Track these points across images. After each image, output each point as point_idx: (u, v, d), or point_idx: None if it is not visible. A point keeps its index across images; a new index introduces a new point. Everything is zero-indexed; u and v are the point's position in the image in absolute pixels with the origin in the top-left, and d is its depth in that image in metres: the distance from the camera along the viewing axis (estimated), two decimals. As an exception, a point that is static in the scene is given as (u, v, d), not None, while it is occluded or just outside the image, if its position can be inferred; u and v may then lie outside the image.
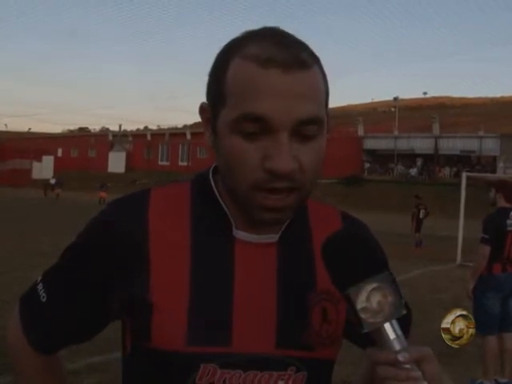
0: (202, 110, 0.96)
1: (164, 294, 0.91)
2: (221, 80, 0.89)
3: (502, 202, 5.41)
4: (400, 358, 0.78)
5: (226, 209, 0.96)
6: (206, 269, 0.93)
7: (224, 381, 0.90)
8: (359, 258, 0.81)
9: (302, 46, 0.89)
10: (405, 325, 0.84)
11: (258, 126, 0.85)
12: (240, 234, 0.96)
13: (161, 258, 0.93)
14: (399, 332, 0.80)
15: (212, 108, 0.92)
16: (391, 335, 0.79)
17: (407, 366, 0.78)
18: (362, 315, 0.78)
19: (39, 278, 1.06)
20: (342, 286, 0.81)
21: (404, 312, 0.80)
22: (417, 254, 15.37)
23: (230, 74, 0.88)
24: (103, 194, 35.44)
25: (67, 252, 1.03)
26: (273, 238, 0.97)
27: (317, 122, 0.88)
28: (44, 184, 46.62)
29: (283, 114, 0.84)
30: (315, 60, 0.90)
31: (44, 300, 1.02)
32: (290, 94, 0.84)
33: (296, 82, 0.85)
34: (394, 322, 0.79)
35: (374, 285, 0.78)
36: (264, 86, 0.84)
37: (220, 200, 0.97)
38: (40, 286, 1.04)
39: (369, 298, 0.78)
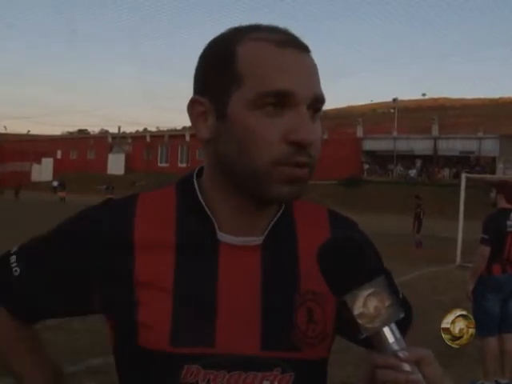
0: (195, 103, 0.95)
1: (149, 296, 0.92)
2: (228, 64, 0.91)
3: (502, 203, 5.41)
4: (400, 354, 0.78)
5: (209, 212, 0.97)
6: (190, 271, 0.94)
7: (208, 381, 0.91)
8: (354, 263, 0.81)
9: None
10: (404, 323, 0.84)
11: (280, 102, 0.88)
12: (224, 237, 0.96)
13: (146, 262, 0.94)
14: (398, 335, 0.80)
15: (216, 95, 0.92)
16: (390, 339, 0.79)
17: (407, 368, 0.78)
18: (360, 321, 0.78)
19: (13, 250, 1.05)
20: (339, 292, 0.81)
21: (402, 315, 0.80)
22: (416, 255, 15.36)
23: (242, 56, 0.90)
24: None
25: (50, 236, 1.03)
26: (258, 240, 0.98)
27: (323, 101, 0.93)
28: (16, 184, 46.34)
29: (305, 89, 0.89)
30: None
31: (16, 274, 1.02)
32: (308, 71, 0.91)
33: (310, 62, 0.92)
34: (393, 325, 0.80)
35: (371, 290, 0.79)
36: (285, 64, 0.89)
37: (203, 203, 0.97)
38: (13, 259, 1.03)
39: (365, 303, 0.78)
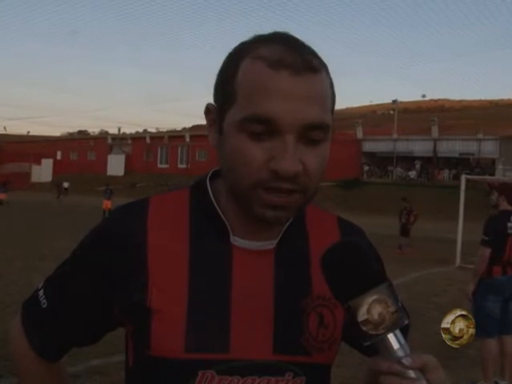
0: (208, 111, 0.97)
1: (163, 302, 0.92)
2: (230, 80, 0.90)
3: (504, 205, 5.40)
4: (404, 361, 0.78)
5: (223, 216, 0.97)
6: (204, 276, 0.94)
7: None
8: (358, 269, 0.81)
9: (311, 51, 0.90)
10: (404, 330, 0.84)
11: (265, 127, 0.85)
12: (238, 241, 0.97)
13: (160, 267, 0.94)
14: (402, 341, 0.80)
15: (219, 108, 0.93)
16: (395, 345, 0.79)
17: (412, 375, 0.78)
18: (364, 327, 0.78)
19: (40, 285, 1.07)
20: (343, 299, 0.81)
21: (406, 322, 0.80)
22: (415, 257, 15.29)
23: (240, 74, 0.89)
24: (108, 204, 25.56)
25: (68, 262, 1.04)
26: (271, 244, 0.98)
27: (323, 127, 0.88)
28: (59, 185, 46.07)
29: (291, 117, 0.85)
30: (323, 65, 0.91)
31: (44, 306, 1.04)
32: (298, 96, 0.85)
33: (305, 86, 0.86)
34: (397, 331, 0.79)
35: (375, 296, 0.78)
36: (273, 88, 0.85)
37: (217, 207, 0.97)
38: (41, 293, 1.05)
39: (369, 310, 0.78)
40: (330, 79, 0.92)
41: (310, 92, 0.86)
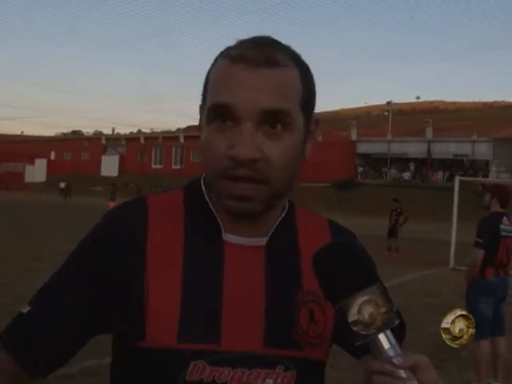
0: (200, 111, 1.02)
1: (159, 295, 0.94)
2: (205, 81, 0.99)
3: (496, 207, 5.43)
4: (395, 361, 0.78)
5: (215, 213, 1.00)
6: (197, 271, 0.96)
7: (213, 378, 0.92)
8: (350, 270, 0.81)
9: (280, 49, 0.95)
10: (398, 333, 0.84)
11: (225, 116, 0.91)
12: (230, 238, 0.99)
13: (156, 263, 0.96)
14: (393, 341, 0.80)
15: (200, 108, 1.00)
16: (385, 345, 0.79)
17: (403, 375, 0.78)
18: (354, 328, 0.78)
19: (25, 310, 0.99)
20: (333, 299, 0.82)
21: (397, 322, 0.80)
22: (409, 259, 15.33)
23: (211, 74, 0.97)
24: (113, 205, 23.83)
25: (67, 263, 1.01)
26: (262, 241, 1.01)
27: (282, 115, 0.91)
28: (66, 186, 45.81)
29: (245, 104, 0.89)
30: (294, 61, 0.95)
31: (25, 312, 0.98)
32: (253, 86, 0.90)
33: (261, 78, 0.91)
34: (388, 331, 0.80)
35: (365, 297, 0.79)
36: (231, 79, 0.91)
37: (210, 205, 1.01)
38: (26, 306, 0.99)
39: (360, 310, 0.78)
40: (303, 74, 0.96)
41: (266, 83, 0.90)
